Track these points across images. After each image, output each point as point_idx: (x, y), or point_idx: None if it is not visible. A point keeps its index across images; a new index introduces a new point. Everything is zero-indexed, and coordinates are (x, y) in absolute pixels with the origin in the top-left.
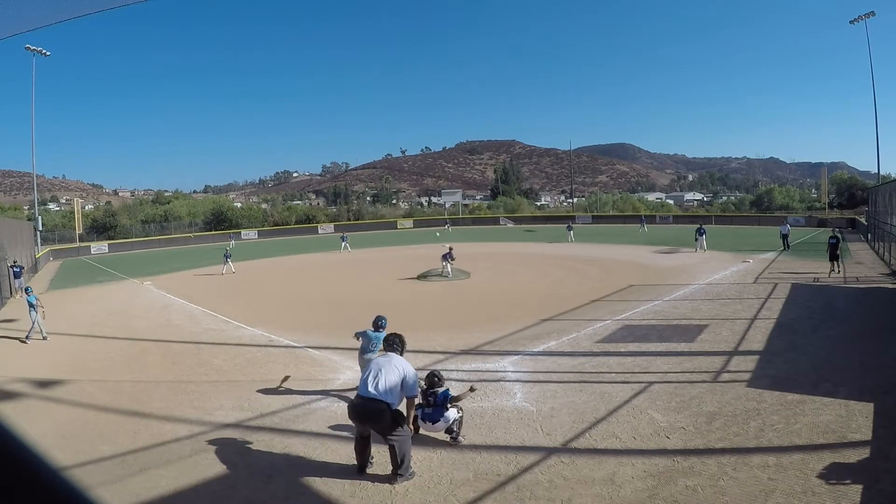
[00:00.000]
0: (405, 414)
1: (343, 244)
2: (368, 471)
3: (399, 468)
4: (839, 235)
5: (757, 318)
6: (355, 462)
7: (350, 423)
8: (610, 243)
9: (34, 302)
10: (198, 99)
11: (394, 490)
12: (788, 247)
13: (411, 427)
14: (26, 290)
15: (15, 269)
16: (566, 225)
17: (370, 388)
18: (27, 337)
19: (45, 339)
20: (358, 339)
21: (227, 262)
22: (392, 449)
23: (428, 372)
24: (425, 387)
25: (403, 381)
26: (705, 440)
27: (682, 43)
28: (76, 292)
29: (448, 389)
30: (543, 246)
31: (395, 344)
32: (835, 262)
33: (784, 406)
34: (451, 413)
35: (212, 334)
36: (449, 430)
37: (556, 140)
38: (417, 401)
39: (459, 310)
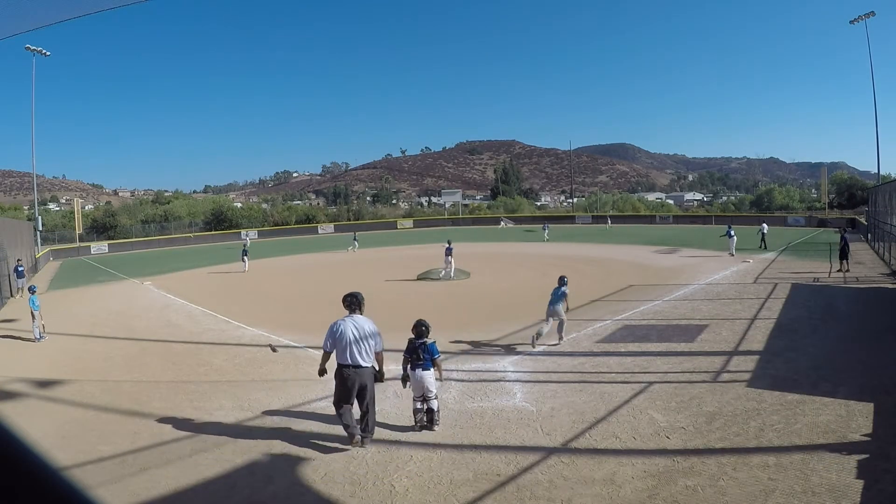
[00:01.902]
0: (378, 367)
1: (354, 243)
2: (360, 442)
3: (368, 428)
4: (846, 235)
5: (757, 318)
6: (350, 443)
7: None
8: (610, 243)
9: (35, 303)
10: (198, 99)
11: (394, 490)
12: (766, 246)
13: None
14: (31, 288)
15: (18, 269)
16: (542, 225)
17: (358, 357)
18: (39, 337)
19: (40, 339)
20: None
21: (245, 259)
22: (365, 414)
23: (415, 322)
24: (413, 336)
25: (375, 342)
26: (705, 440)
27: (683, 43)
28: (76, 292)
29: (434, 342)
30: (539, 245)
31: (353, 304)
32: (843, 262)
33: (784, 406)
34: (434, 383)
35: (212, 334)
36: (430, 416)
37: (556, 140)
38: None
39: (459, 310)
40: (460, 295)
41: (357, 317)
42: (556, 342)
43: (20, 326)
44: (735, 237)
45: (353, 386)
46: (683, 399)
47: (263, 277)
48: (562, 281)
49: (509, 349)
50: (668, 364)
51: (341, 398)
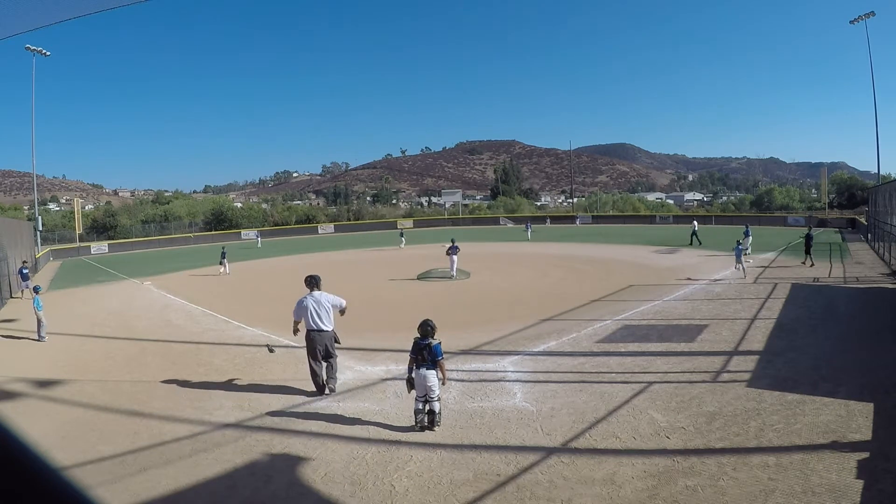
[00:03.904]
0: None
1: (401, 240)
2: (327, 390)
3: (332, 379)
4: (811, 233)
5: (757, 318)
6: (317, 391)
7: (347, 413)
8: (610, 243)
9: (40, 303)
10: (198, 99)
11: (394, 490)
12: (700, 242)
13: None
14: (35, 289)
15: (23, 272)
16: (525, 224)
17: (320, 323)
18: (40, 337)
19: (41, 339)
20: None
21: (224, 262)
22: (329, 367)
23: (421, 321)
24: (419, 336)
25: (334, 307)
26: (705, 440)
27: (683, 43)
28: (76, 292)
29: (440, 343)
30: (537, 246)
31: (311, 283)
32: (808, 256)
33: (784, 406)
34: (437, 383)
35: (212, 334)
36: (431, 418)
37: (556, 140)
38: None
39: (459, 310)
40: (460, 295)
41: (315, 293)
42: (742, 276)
43: (20, 326)
44: (751, 237)
45: (317, 345)
46: (683, 399)
47: (263, 278)
48: (738, 243)
49: (509, 349)
50: (668, 364)
51: (310, 354)
